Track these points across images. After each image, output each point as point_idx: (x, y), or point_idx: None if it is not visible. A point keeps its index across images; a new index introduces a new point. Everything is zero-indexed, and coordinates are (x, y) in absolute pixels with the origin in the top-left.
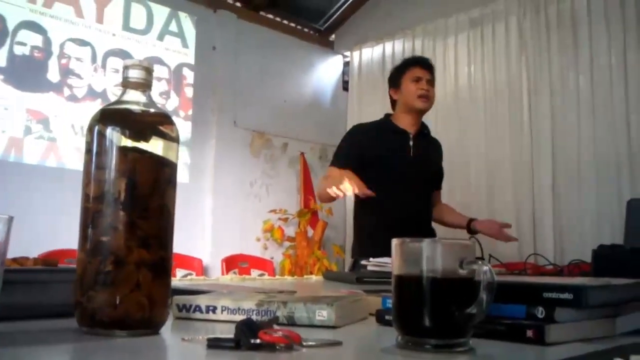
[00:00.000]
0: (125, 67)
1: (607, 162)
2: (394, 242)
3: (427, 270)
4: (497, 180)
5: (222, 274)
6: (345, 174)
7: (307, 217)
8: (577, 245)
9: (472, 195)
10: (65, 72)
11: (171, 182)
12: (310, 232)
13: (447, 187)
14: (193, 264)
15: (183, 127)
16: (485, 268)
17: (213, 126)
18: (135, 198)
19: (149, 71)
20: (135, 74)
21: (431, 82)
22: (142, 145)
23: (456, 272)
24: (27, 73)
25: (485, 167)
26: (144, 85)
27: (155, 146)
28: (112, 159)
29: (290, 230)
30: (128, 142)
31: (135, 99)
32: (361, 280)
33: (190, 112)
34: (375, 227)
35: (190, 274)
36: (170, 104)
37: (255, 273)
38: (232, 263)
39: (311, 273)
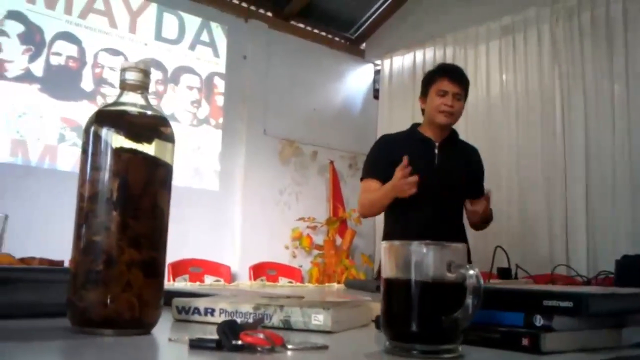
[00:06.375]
0: (122, 70)
1: None
2: (383, 244)
3: (415, 273)
4: (529, 189)
5: (250, 281)
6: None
7: (335, 226)
8: (611, 256)
9: (504, 204)
10: (99, 81)
11: (166, 183)
12: (339, 240)
13: None
14: (221, 271)
15: (214, 136)
16: (472, 272)
17: (243, 134)
18: (127, 198)
19: (145, 73)
20: (131, 76)
21: (459, 95)
22: (136, 146)
23: (444, 277)
24: (62, 82)
25: (517, 176)
26: (141, 87)
27: (149, 147)
28: (107, 160)
29: (319, 239)
30: (122, 143)
31: (132, 101)
32: None
33: (220, 121)
34: (400, 235)
35: (219, 281)
36: (201, 112)
37: (283, 281)
38: (260, 270)
39: (339, 282)
